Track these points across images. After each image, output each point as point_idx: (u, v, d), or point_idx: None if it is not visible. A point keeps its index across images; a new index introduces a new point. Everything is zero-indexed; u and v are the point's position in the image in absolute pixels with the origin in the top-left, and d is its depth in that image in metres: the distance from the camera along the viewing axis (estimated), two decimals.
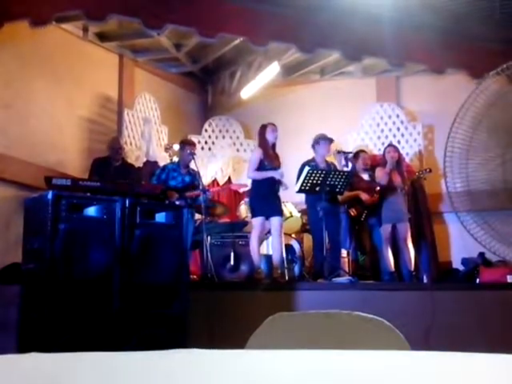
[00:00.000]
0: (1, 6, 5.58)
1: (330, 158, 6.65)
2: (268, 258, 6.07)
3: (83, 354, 1.16)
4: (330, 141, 6.26)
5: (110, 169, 6.49)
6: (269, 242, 6.32)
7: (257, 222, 5.81)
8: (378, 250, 6.51)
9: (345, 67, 8.37)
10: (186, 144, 6.39)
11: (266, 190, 5.82)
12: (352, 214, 6.56)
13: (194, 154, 6.27)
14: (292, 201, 6.92)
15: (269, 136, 5.93)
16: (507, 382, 0.93)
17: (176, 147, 6.75)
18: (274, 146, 5.99)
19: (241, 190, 8.17)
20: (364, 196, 6.48)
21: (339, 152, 6.18)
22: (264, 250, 6.33)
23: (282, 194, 6.00)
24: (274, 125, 6.01)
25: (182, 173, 6.24)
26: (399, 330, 1.47)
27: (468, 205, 6.40)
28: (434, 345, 4.16)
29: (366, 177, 6.76)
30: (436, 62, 6.66)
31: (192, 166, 6.28)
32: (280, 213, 5.90)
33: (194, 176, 6.23)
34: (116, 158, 6.67)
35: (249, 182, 6.22)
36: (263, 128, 6.00)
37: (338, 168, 6.20)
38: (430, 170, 6.71)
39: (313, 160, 6.29)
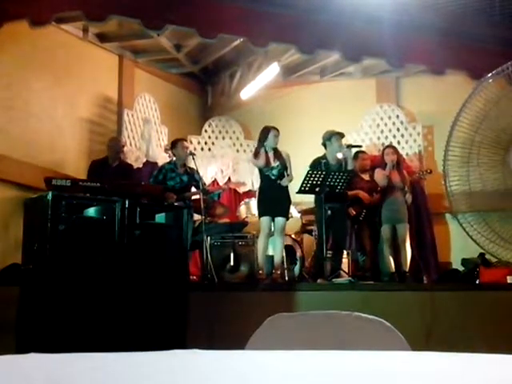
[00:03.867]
0: (0, 7, 5.58)
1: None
2: (269, 258, 6.06)
3: (83, 355, 1.15)
4: (342, 136, 6.23)
5: (108, 169, 6.48)
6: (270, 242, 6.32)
7: (264, 223, 5.82)
8: (379, 250, 6.50)
9: (344, 68, 8.36)
10: (177, 141, 6.41)
11: (273, 190, 5.83)
12: (351, 213, 6.55)
13: (188, 148, 6.30)
14: (292, 201, 6.90)
15: (270, 140, 5.89)
16: (507, 382, 0.93)
17: None
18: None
19: (241, 191, 8.19)
20: (363, 195, 6.46)
21: (348, 146, 6.16)
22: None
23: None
24: (277, 130, 5.97)
25: (180, 172, 6.24)
26: (399, 330, 1.47)
27: (468, 205, 6.39)
28: (433, 345, 4.16)
29: (366, 177, 6.75)
30: (436, 62, 6.65)
31: (189, 163, 6.28)
32: (285, 214, 5.90)
33: (192, 175, 6.24)
34: (114, 158, 6.66)
35: (250, 183, 6.22)
36: (266, 130, 5.96)
37: (350, 163, 6.15)
38: (431, 171, 6.69)
39: (324, 157, 6.24)
